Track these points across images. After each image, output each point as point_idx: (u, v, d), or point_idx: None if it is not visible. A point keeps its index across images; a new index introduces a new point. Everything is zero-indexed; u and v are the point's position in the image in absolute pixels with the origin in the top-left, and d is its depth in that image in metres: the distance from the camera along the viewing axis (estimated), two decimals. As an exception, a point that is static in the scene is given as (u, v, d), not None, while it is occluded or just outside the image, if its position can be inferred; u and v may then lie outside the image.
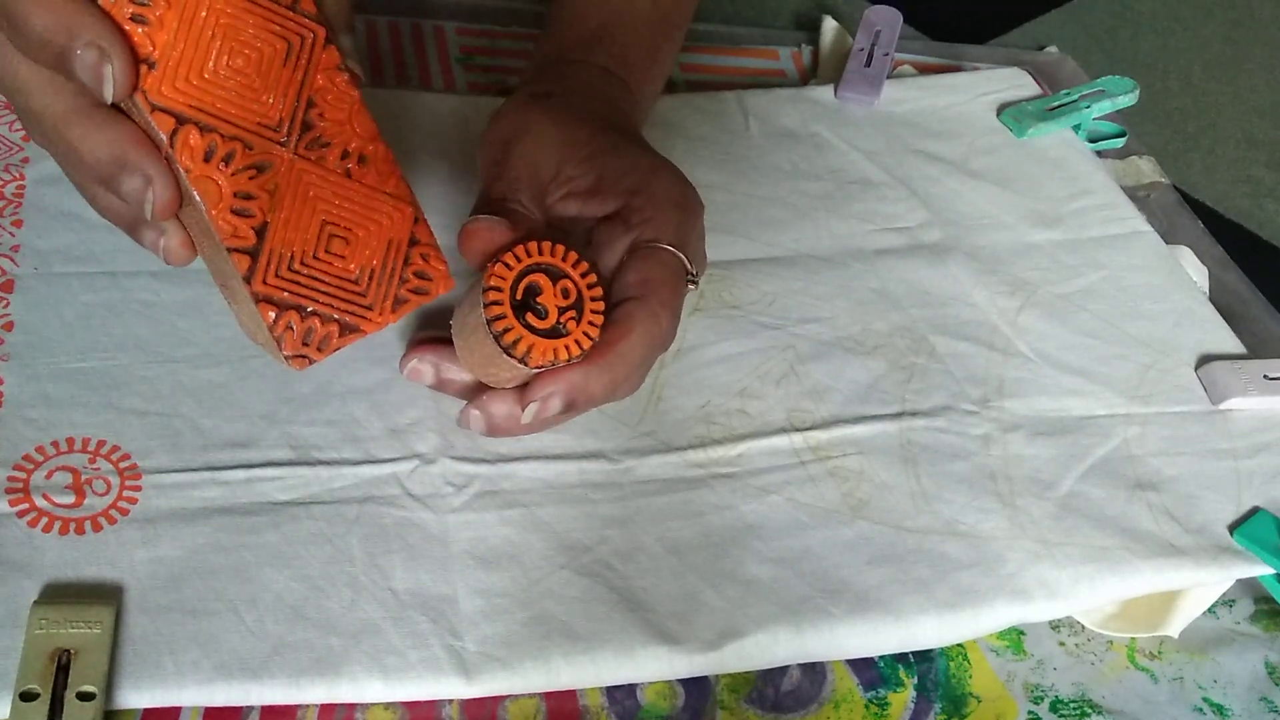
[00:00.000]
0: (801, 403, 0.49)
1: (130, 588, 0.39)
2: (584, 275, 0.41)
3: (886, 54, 0.65)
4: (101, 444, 0.43)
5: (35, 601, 0.38)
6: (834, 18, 0.69)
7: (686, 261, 0.43)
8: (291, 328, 0.37)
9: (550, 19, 0.53)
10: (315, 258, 0.37)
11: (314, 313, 0.37)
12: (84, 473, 0.42)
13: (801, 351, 0.51)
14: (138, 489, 0.42)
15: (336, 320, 0.38)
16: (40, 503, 0.41)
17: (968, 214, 0.58)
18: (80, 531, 0.40)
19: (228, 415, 0.44)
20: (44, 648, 0.37)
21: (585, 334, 0.40)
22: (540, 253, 0.40)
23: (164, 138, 0.35)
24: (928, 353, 0.51)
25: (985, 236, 0.57)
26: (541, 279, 0.40)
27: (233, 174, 0.36)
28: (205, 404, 0.45)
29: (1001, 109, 0.64)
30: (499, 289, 0.40)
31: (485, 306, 0.39)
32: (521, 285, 0.40)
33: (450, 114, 0.58)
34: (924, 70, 0.68)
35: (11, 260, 0.48)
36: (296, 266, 0.37)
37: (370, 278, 0.38)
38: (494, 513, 0.43)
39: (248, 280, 0.36)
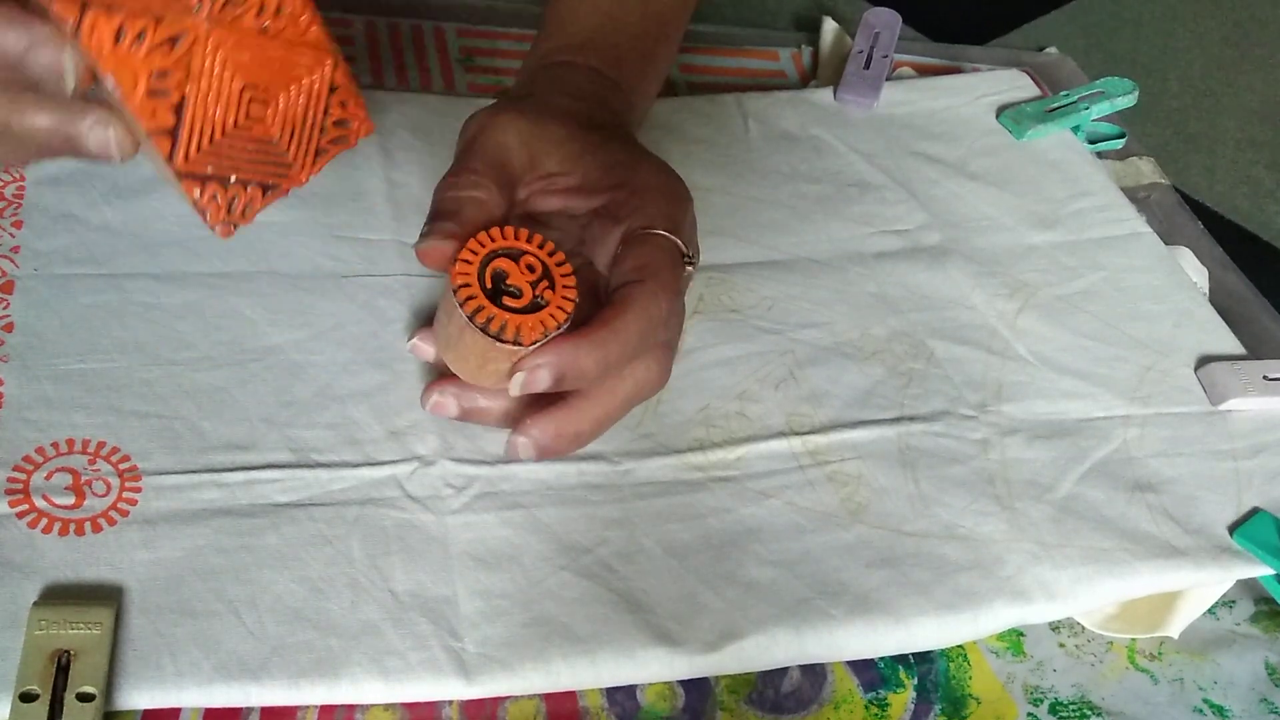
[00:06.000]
0: (800, 407, 0.49)
1: (130, 589, 0.39)
2: (541, 247, 0.41)
3: (886, 56, 0.65)
4: (101, 445, 0.43)
5: (35, 602, 0.38)
6: (834, 19, 0.69)
7: (681, 244, 0.43)
8: (216, 199, 0.36)
9: (542, 24, 0.53)
10: (235, 125, 0.36)
11: (237, 181, 0.36)
12: (84, 474, 0.42)
13: (800, 356, 0.51)
14: (138, 490, 0.42)
15: (259, 184, 0.36)
16: (40, 504, 0.41)
17: (967, 216, 0.58)
18: (80, 533, 0.40)
19: (227, 418, 0.44)
20: (44, 649, 0.37)
21: (564, 297, 0.41)
22: (494, 239, 0.41)
23: (70, 24, 0.33)
24: (926, 358, 0.51)
25: (984, 238, 0.57)
26: (504, 263, 0.40)
27: (146, 53, 0.34)
28: (205, 407, 0.45)
29: (1000, 111, 0.64)
30: (468, 284, 0.40)
31: (461, 305, 0.39)
32: (488, 275, 0.40)
33: (450, 115, 0.58)
34: (923, 72, 0.68)
35: (11, 261, 0.48)
36: (217, 138, 0.35)
37: (291, 135, 0.37)
38: (494, 514, 0.43)
39: (169, 159, 0.35)
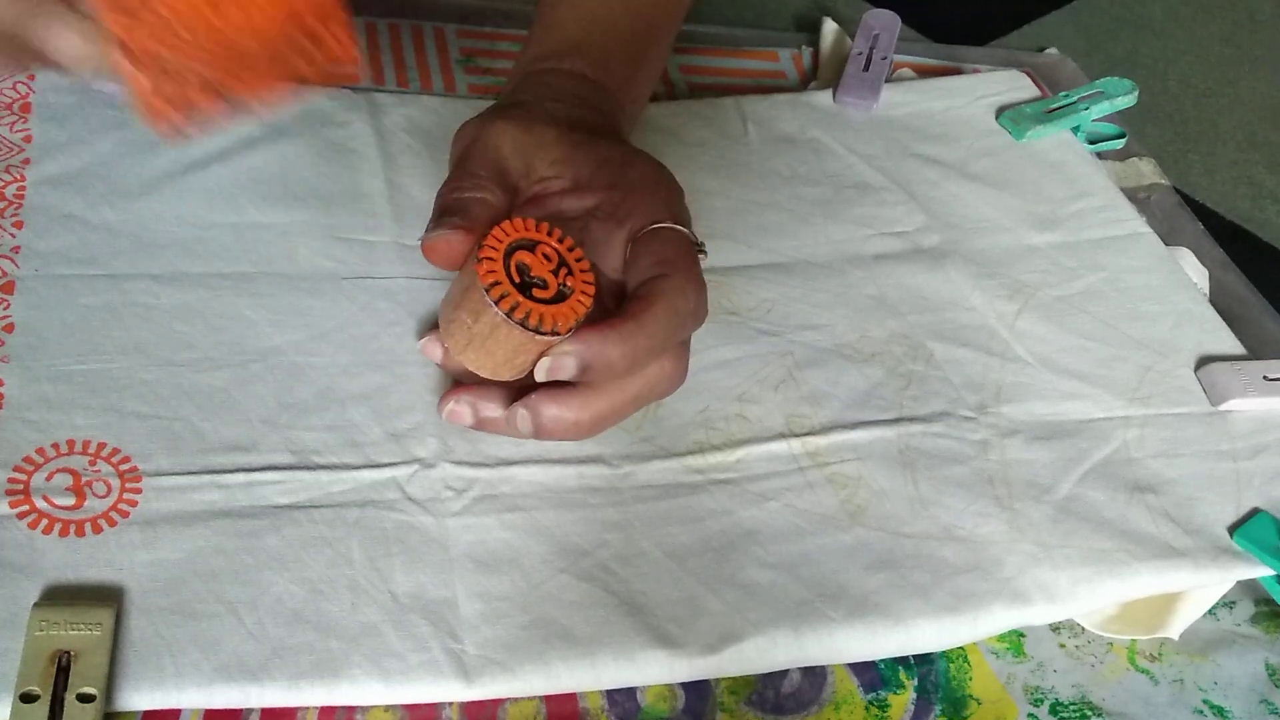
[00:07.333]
0: (800, 408, 0.49)
1: (130, 590, 0.39)
2: (550, 234, 0.41)
3: (885, 58, 0.65)
4: (102, 446, 0.43)
5: (35, 603, 0.38)
6: (834, 20, 0.69)
7: (691, 234, 0.43)
8: (157, 89, 0.33)
9: (531, 29, 0.53)
10: (199, 13, 0.33)
11: (183, 72, 0.34)
12: (84, 475, 0.42)
13: (799, 358, 0.51)
14: (138, 491, 0.42)
15: (209, 82, 0.34)
16: (41, 504, 0.41)
17: (967, 217, 0.58)
18: (81, 533, 0.40)
19: (228, 419, 0.44)
20: (44, 649, 0.37)
21: (584, 283, 0.41)
22: (508, 233, 0.41)
23: None
24: (925, 359, 0.51)
25: (984, 240, 0.57)
26: (524, 255, 0.41)
27: None
28: (205, 408, 0.45)
29: (1000, 112, 0.64)
30: (499, 282, 0.40)
31: (496, 303, 0.40)
32: (513, 268, 0.40)
33: (451, 117, 0.58)
34: (923, 73, 0.68)
35: (12, 262, 0.48)
36: (176, 26, 0.33)
37: (262, 44, 0.34)
38: (493, 517, 0.43)
39: (122, 43, 0.33)
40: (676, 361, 0.43)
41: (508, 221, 0.41)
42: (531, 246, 0.41)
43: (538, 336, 0.40)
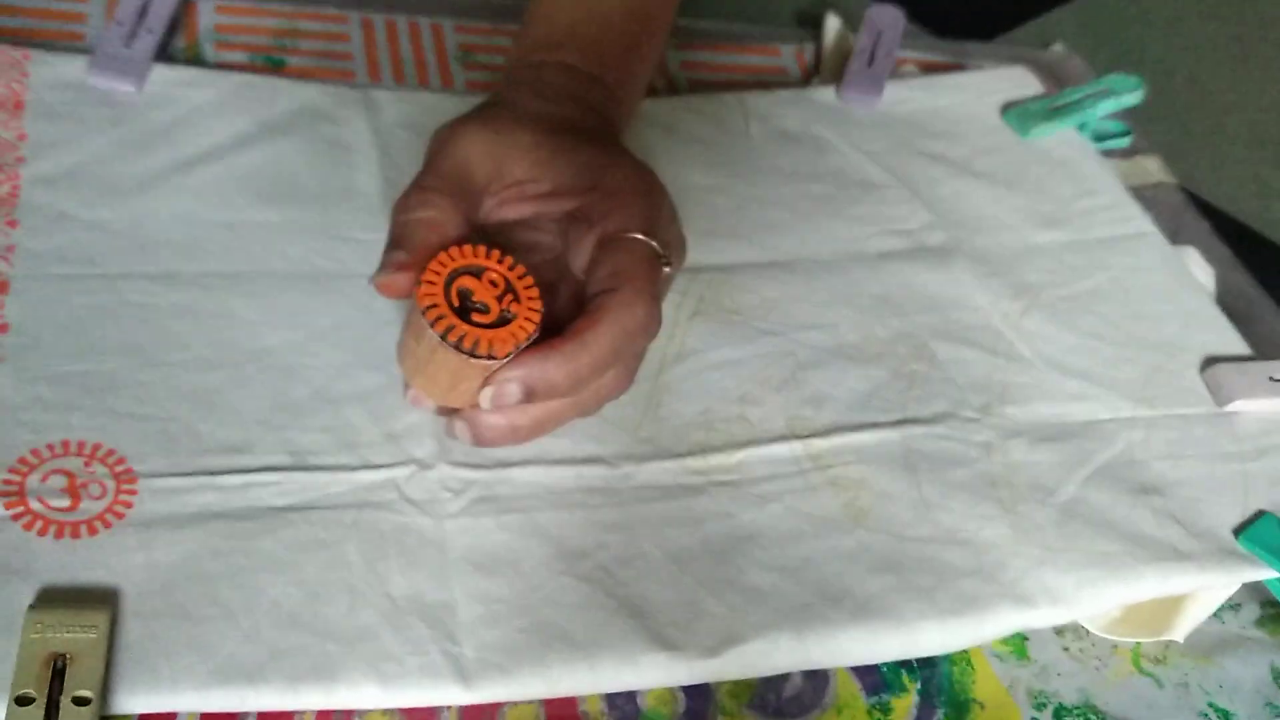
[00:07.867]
0: (802, 410, 0.48)
1: (126, 592, 0.39)
2: (500, 262, 0.41)
3: (889, 54, 0.65)
4: (97, 447, 0.43)
5: (30, 606, 0.38)
6: (837, 15, 0.68)
7: (657, 246, 0.43)
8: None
9: (522, 22, 0.52)
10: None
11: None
12: (80, 476, 0.42)
13: (802, 359, 0.50)
14: (134, 493, 0.42)
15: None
16: (36, 506, 0.41)
17: (971, 216, 0.58)
18: (76, 535, 0.40)
19: (223, 420, 0.44)
20: (39, 652, 0.37)
21: (530, 309, 0.41)
22: (454, 258, 0.41)
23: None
24: (929, 360, 0.51)
25: (989, 238, 0.57)
26: (467, 280, 0.40)
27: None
28: (201, 409, 0.44)
29: (1005, 108, 0.64)
30: (435, 304, 0.40)
31: (431, 325, 0.39)
32: (453, 293, 0.40)
33: (448, 114, 0.58)
34: (927, 69, 0.68)
35: (6, 261, 0.48)
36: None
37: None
38: (492, 518, 0.43)
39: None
40: (625, 369, 0.43)
41: (456, 248, 0.41)
42: (478, 273, 0.41)
43: (472, 360, 0.39)
